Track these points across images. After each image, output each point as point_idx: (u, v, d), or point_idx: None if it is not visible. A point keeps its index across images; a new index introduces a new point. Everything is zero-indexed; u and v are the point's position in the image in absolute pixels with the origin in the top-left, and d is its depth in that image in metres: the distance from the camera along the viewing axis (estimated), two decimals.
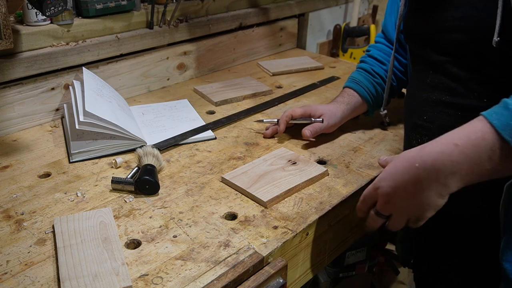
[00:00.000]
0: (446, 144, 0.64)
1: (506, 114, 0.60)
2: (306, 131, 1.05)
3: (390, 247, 1.62)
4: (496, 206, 0.74)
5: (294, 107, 1.27)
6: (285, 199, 0.88)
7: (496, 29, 0.70)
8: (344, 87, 1.15)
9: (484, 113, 0.63)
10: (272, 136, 1.11)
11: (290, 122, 1.09)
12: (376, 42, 1.20)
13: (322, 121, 1.06)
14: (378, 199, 0.73)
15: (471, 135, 0.62)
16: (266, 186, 0.89)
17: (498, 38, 0.70)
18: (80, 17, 1.21)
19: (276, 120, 1.11)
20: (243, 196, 0.89)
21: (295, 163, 0.97)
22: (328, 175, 0.96)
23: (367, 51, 1.20)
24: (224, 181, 0.93)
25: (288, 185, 0.90)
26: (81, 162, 0.99)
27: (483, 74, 0.77)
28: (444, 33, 0.81)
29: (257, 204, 0.86)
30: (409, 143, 0.92)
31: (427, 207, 0.67)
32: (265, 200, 0.85)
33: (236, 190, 0.90)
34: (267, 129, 1.12)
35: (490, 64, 0.75)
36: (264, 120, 1.14)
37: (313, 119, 1.07)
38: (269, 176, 0.92)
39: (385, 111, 1.13)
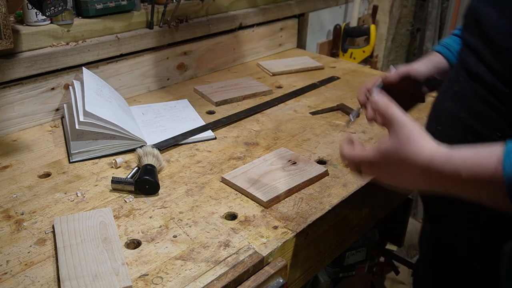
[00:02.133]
0: (455, 172, 0.58)
1: None
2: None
3: (390, 247, 1.62)
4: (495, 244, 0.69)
5: (295, 107, 1.28)
6: (285, 199, 0.88)
7: None
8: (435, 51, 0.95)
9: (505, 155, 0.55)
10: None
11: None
12: None
13: (358, 115, 0.89)
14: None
15: (478, 176, 0.56)
16: (266, 186, 0.89)
17: None
18: (80, 17, 1.21)
19: (357, 109, 0.90)
20: (243, 196, 0.89)
21: (295, 163, 0.97)
22: (328, 175, 0.96)
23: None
24: (224, 181, 0.93)
25: (288, 185, 0.89)
26: (81, 162, 0.99)
27: None
28: (501, 38, 0.65)
29: (257, 204, 0.86)
30: None
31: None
32: (265, 200, 0.85)
33: (236, 190, 0.90)
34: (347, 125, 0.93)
35: None
36: (352, 119, 0.89)
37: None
38: (269, 176, 0.92)
39: None
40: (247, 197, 0.88)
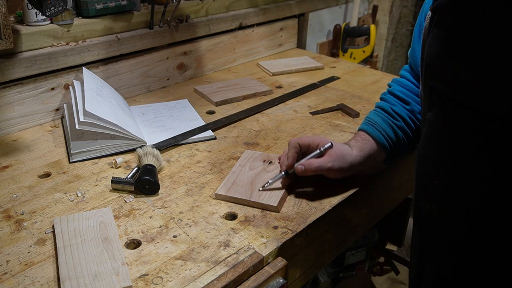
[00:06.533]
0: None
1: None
2: (299, 166, 0.86)
3: (390, 247, 1.62)
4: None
5: (295, 107, 1.28)
6: (287, 199, 0.88)
7: None
8: (358, 130, 0.96)
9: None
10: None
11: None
12: (401, 76, 0.99)
13: (331, 146, 0.88)
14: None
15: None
16: (264, 191, 0.87)
17: None
18: (80, 17, 1.21)
19: (282, 173, 0.89)
20: None
21: (270, 162, 0.97)
22: None
23: (388, 86, 1.00)
24: (219, 197, 0.88)
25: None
26: (81, 162, 0.99)
27: None
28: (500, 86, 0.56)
29: None
30: (417, 206, 0.75)
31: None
32: (275, 205, 0.84)
33: (235, 202, 0.86)
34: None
35: None
36: (270, 182, 0.88)
37: (322, 149, 0.88)
38: (258, 180, 0.91)
39: None
40: (251, 206, 0.85)
